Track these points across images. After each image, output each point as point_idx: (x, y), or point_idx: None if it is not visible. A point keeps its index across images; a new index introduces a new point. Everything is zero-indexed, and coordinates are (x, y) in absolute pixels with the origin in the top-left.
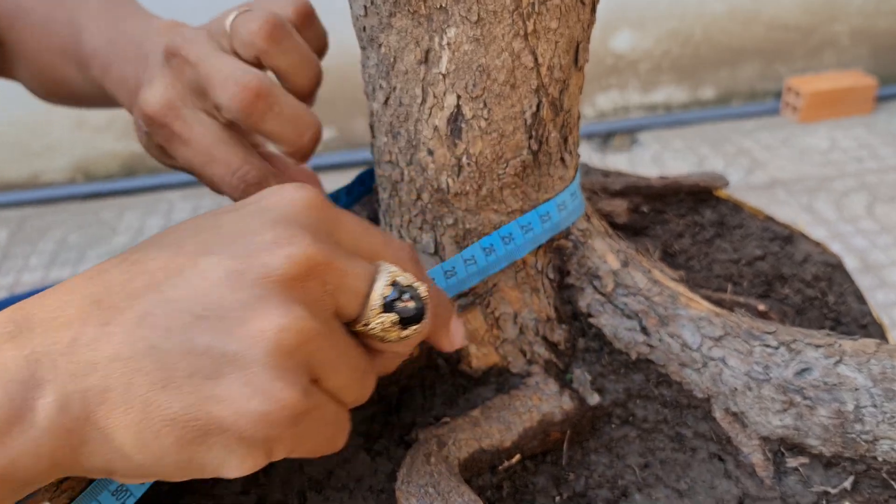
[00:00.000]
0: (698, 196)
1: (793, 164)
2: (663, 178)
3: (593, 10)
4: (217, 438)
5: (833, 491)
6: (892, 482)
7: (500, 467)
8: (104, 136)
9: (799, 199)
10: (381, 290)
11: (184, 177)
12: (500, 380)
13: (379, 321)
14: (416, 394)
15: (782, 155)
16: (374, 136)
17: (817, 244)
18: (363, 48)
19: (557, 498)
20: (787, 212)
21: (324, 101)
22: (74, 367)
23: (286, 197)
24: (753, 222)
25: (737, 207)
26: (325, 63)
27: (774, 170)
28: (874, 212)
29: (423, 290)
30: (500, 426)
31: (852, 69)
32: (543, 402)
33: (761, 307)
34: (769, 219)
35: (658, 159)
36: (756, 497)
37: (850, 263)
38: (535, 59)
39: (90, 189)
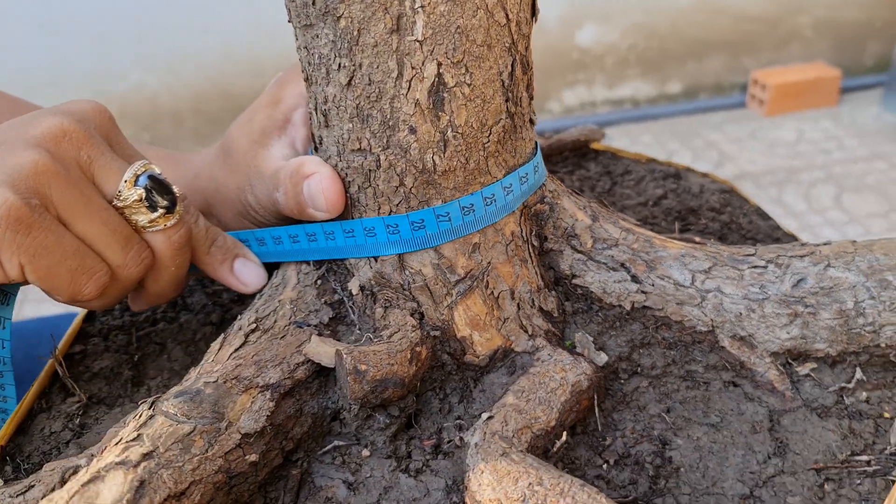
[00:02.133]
0: (578, 152)
1: (761, 157)
2: (547, 136)
3: None
4: None
5: (850, 385)
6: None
7: (553, 450)
8: None
9: (768, 192)
10: (135, 169)
11: None
12: (507, 362)
13: (130, 193)
14: (430, 399)
15: (750, 148)
16: (327, 126)
17: (704, 174)
18: (308, 26)
19: (605, 465)
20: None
21: None
22: None
23: (81, 103)
24: (638, 167)
25: (615, 156)
26: (292, 58)
27: (743, 163)
28: (842, 202)
29: (176, 189)
30: (543, 407)
31: (817, 61)
32: (569, 371)
33: (697, 240)
34: (651, 160)
35: None
36: (783, 410)
37: None
38: (507, 15)
39: None
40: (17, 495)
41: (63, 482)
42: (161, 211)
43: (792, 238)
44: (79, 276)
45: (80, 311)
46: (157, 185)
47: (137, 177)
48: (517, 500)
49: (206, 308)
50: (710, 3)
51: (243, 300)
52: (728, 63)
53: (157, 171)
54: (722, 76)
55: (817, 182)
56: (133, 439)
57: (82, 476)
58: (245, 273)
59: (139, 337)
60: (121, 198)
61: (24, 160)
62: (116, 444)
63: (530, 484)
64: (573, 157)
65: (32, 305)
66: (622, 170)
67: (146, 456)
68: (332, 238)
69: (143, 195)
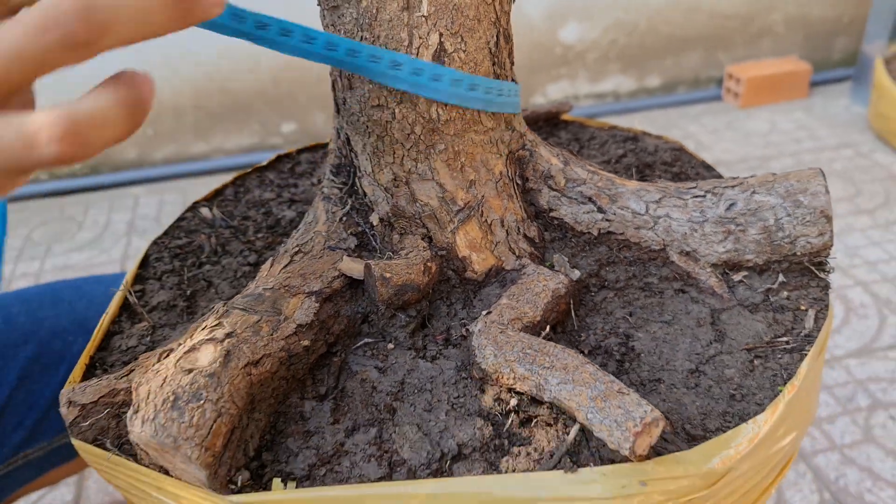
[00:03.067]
0: (551, 122)
1: (736, 146)
2: (523, 109)
3: None
4: None
5: (774, 287)
6: (811, 267)
7: (542, 336)
8: None
9: None
10: None
11: (149, 172)
12: (499, 277)
13: None
14: (439, 306)
15: (726, 138)
16: (351, 89)
17: (658, 137)
18: (335, 7)
19: (581, 354)
20: None
21: (285, 97)
22: None
23: None
24: (601, 132)
25: (582, 125)
26: (286, 61)
27: (719, 152)
28: None
29: None
30: (529, 305)
31: (788, 56)
32: (549, 280)
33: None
34: (613, 127)
35: None
36: (721, 308)
37: None
38: None
39: (54, 186)
40: (121, 377)
41: (160, 360)
42: None
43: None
44: None
45: (136, 260)
46: None
47: None
48: (513, 361)
49: (243, 252)
50: (687, 1)
51: (274, 246)
52: (704, 58)
53: None
54: (699, 70)
55: (787, 169)
56: (216, 325)
57: (180, 350)
58: None
59: (188, 277)
60: None
61: None
62: (202, 329)
63: (523, 348)
64: (546, 127)
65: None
66: (588, 136)
67: (228, 335)
68: (354, 56)
69: None
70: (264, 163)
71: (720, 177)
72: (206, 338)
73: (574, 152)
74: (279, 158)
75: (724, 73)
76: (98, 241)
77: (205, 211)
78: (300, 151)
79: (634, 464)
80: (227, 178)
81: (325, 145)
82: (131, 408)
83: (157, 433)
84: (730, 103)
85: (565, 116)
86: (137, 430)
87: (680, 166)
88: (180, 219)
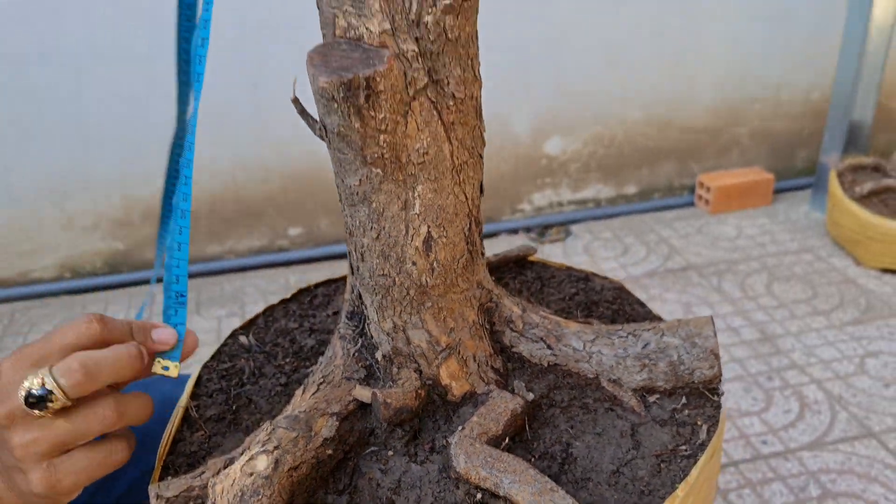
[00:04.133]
0: (520, 263)
1: (705, 250)
2: (497, 255)
3: (482, 161)
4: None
5: (678, 406)
6: (705, 392)
7: (501, 447)
8: (90, 236)
9: (710, 281)
10: (21, 395)
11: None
12: (473, 400)
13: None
14: (426, 422)
15: (696, 242)
16: (362, 261)
17: (604, 278)
18: (353, 205)
19: (532, 459)
20: (699, 292)
21: (293, 203)
22: None
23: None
24: (560, 272)
25: (545, 266)
26: (295, 167)
27: (689, 255)
28: (772, 289)
29: (44, 381)
30: (493, 423)
31: (754, 166)
32: (509, 402)
33: (591, 322)
34: (569, 268)
35: (589, 248)
36: (639, 423)
37: (750, 335)
38: (466, 196)
39: (76, 284)
40: (195, 477)
41: (226, 466)
42: (43, 405)
43: (658, 318)
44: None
45: (192, 377)
46: (36, 400)
47: (28, 393)
48: (479, 466)
49: (275, 375)
50: (660, 117)
51: (299, 370)
52: (677, 168)
53: (33, 381)
54: (672, 179)
55: (752, 272)
56: (267, 440)
57: (242, 459)
58: (163, 334)
59: (233, 395)
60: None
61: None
62: (257, 443)
63: (486, 457)
64: (516, 267)
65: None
66: (549, 275)
67: (276, 447)
68: None
69: (34, 411)
70: (288, 296)
71: (650, 311)
72: (261, 450)
73: (531, 300)
74: (300, 291)
75: (695, 181)
76: None
77: (242, 339)
78: (317, 286)
79: None
80: (239, 278)
81: (336, 280)
82: (209, 500)
83: None
84: (701, 209)
85: (532, 258)
86: None
87: (619, 304)
88: (223, 344)
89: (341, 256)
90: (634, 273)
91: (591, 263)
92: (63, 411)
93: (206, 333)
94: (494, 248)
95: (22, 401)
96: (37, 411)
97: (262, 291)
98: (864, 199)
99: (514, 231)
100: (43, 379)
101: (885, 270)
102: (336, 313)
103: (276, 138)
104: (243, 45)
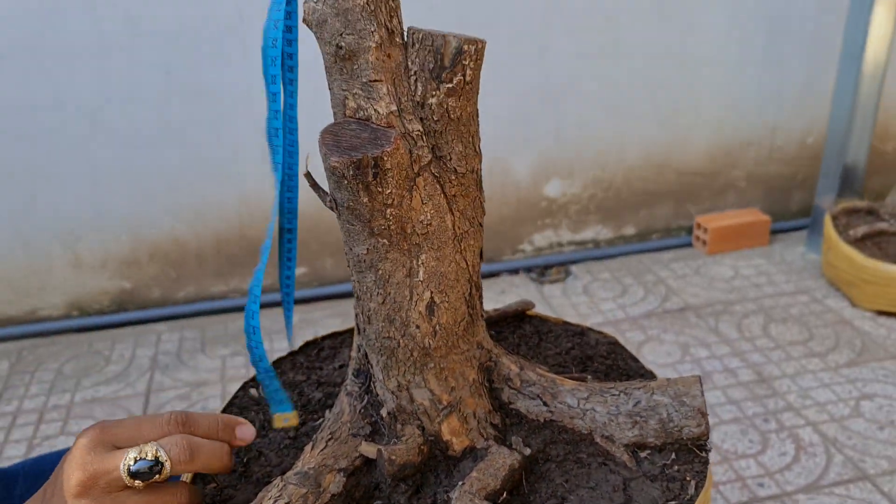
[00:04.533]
0: (518, 317)
1: (703, 291)
2: (496, 310)
3: (482, 229)
4: None
5: (668, 462)
6: (693, 448)
7: (499, 501)
8: (98, 275)
9: (707, 322)
10: (126, 464)
11: (170, 310)
12: (472, 455)
13: (131, 482)
14: (428, 476)
15: (693, 283)
16: (369, 324)
17: (599, 332)
18: (361, 272)
19: None
20: (696, 333)
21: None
22: None
23: (83, 435)
24: (557, 326)
25: (543, 320)
26: (300, 209)
27: (687, 296)
28: (769, 331)
29: (157, 453)
30: (492, 478)
31: (750, 208)
32: (507, 458)
33: (587, 378)
34: (566, 323)
35: (588, 289)
36: (631, 478)
37: (747, 376)
38: (466, 263)
39: (83, 322)
40: None
41: None
42: (147, 479)
43: (650, 373)
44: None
45: None
46: (142, 471)
47: (128, 469)
48: None
49: (281, 431)
50: (657, 160)
51: (307, 422)
52: (675, 210)
53: (140, 453)
54: (670, 221)
55: (749, 313)
56: (278, 496)
57: None
58: (245, 433)
59: (245, 448)
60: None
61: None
62: (269, 498)
63: None
64: (514, 321)
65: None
66: (546, 329)
67: (287, 503)
68: None
69: (134, 481)
70: (296, 348)
71: (643, 367)
72: None
73: (528, 356)
74: (307, 344)
75: (693, 222)
76: (124, 374)
77: (252, 391)
78: (324, 339)
79: None
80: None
81: (342, 333)
82: None
83: None
84: (698, 250)
85: (530, 312)
86: None
87: (613, 359)
88: (234, 397)
89: (345, 296)
90: (633, 314)
91: (590, 304)
92: (142, 489)
93: (210, 373)
94: (495, 287)
95: (124, 471)
96: (138, 482)
97: (266, 331)
98: (858, 242)
99: (515, 271)
100: (156, 451)
101: (881, 312)
102: (342, 366)
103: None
104: (249, 93)
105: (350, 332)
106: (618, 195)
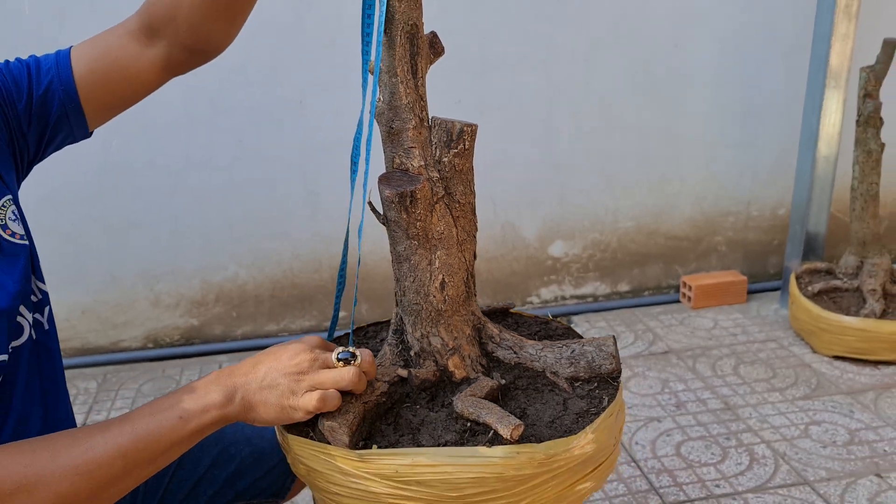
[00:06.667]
0: (502, 312)
1: (685, 338)
2: (488, 305)
3: (475, 239)
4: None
5: (593, 388)
6: (608, 379)
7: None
8: (172, 313)
9: (686, 363)
10: (336, 352)
11: (230, 345)
12: (467, 381)
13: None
14: (438, 391)
15: (678, 331)
16: (404, 296)
17: (558, 321)
18: (399, 262)
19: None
20: (676, 371)
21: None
22: (244, 391)
23: (301, 341)
24: (529, 319)
25: (521, 315)
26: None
27: (670, 342)
28: (738, 371)
29: (354, 357)
30: (479, 391)
31: (730, 269)
32: (489, 383)
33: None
34: (536, 317)
35: (586, 335)
36: (568, 397)
37: (715, 405)
38: (465, 259)
39: (157, 353)
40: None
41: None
42: (348, 363)
43: (581, 337)
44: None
45: None
46: (346, 358)
47: (338, 356)
48: (468, 406)
49: None
50: (648, 226)
51: None
52: (664, 270)
53: (341, 352)
54: (660, 279)
55: (723, 356)
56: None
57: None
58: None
59: None
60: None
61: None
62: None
63: (472, 402)
64: (500, 315)
65: None
66: (522, 321)
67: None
68: None
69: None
70: (352, 330)
71: (579, 336)
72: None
73: (506, 328)
74: (357, 329)
75: (680, 281)
76: None
77: None
78: (368, 326)
79: (513, 444)
80: None
81: (382, 323)
82: (320, 419)
83: (331, 426)
84: (684, 305)
85: (512, 311)
86: (323, 425)
87: (565, 336)
88: None
89: None
90: (622, 355)
91: None
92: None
93: None
94: None
95: (334, 357)
96: (342, 364)
97: None
98: (815, 297)
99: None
100: (353, 349)
101: (836, 357)
102: (382, 340)
103: (327, 235)
104: (301, 160)
105: (383, 324)
106: (614, 256)
